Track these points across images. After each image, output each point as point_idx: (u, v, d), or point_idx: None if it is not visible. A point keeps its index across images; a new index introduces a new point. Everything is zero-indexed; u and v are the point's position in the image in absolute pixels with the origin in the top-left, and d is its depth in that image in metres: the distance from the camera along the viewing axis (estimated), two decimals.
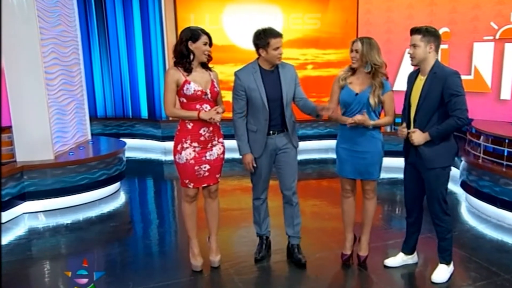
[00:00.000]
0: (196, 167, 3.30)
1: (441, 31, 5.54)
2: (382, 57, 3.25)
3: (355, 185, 3.52)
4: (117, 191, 5.65)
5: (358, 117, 3.20)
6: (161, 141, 8.11)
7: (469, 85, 5.50)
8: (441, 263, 3.35)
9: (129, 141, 8.17)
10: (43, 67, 4.74)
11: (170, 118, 3.05)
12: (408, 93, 3.28)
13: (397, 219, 4.73)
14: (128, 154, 7.59)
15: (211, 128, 3.31)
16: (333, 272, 3.52)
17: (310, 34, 7.90)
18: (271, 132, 3.45)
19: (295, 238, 3.69)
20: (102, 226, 4.63)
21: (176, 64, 3.26)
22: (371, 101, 3.22)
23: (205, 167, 3.34)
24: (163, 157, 7.82)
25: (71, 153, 5.22)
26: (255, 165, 3.48)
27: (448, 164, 3.23)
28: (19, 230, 4.40)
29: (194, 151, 3.29)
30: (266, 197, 3.69)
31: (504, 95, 5.26)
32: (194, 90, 3.20)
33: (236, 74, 3.45)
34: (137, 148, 8.17)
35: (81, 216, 4.83)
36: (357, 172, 3.40)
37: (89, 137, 6.13)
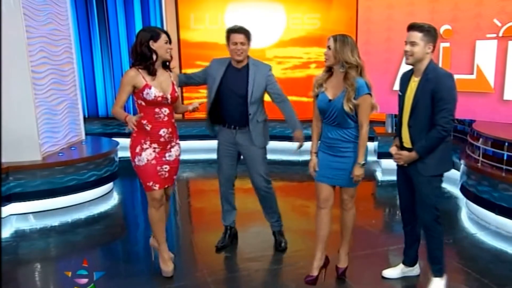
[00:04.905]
0: (158, 167, 3.24)
1: (442, 29, 5.45)
2: (359, 56, 2.96)
3: (332, 194, 3.15)
4: (109, 192, 5.55)
5: (356, 177, 3.05)
6: None
7: (471, 85, 5.29)
8: (435, 276, 3.13)
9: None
10: (30, 66, 4.66)
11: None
12: (402, 96, 3.07)
13: (395, 224, 4.55)
14: (128, 154, 7.53)
15: (170, 129, 3.26)
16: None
17: (313, 32, 7.74)
18: (232, 126, 3.64)
19: (275, 226, 3.89)
20: (87, 229, 4.53)
21: (135, 65, 3.14)
22: (345, 107, 2.91)
23: (165, 168, 3.30)
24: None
25: (60, 154, 5.13)
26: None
27: (444, 171, 3.04)
28: (5, 232, 4.31)
29: (154, 151, 3.22)
30: (228, 189, 3.82)
31: (508, 95, 5.00)
32: (155, 96, 3.11)
33: (213, 59, 3.71)
34: None
35: (69, 218, 4.74)
36: (335, 178, 3.11)
37: (83, 137, 6.03)
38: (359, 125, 3.00)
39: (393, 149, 3.14)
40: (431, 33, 2.90)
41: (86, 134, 6.20)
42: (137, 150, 3.22)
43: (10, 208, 4.67)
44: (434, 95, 2.85)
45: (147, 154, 3.21)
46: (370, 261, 3.61)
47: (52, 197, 4.85)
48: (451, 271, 3.44)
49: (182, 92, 7.15)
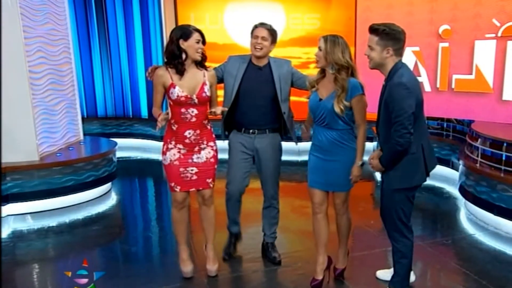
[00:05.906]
0: (181, 169, 3.19)
1: (442, 29, 5.43)
2: (351, 57, 2.89)
3: (325, 198, 3.13)
4: (107, 193, 5.53)
5: (354, 178, 2.97)
6: (160, 141, 7.91)
7: (470, 85, 5.28)
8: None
9: (129, 141, 8.13)
10: (28, 66, 4.64)
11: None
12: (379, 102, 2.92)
13: None
14: (128, 154, 7.57)
15: (198, 131, 3.17)
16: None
17: (312, 32, 7.71)
18: (250, 131, 3.43)
19: (271, 237, 3.69)
20: (85, 229, 4.51)
21: (166, 64, 3.12)
22: (336, 109, 2.84)
23: (192, 170, 3.21)
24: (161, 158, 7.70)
25: (58, 154, 5.12)
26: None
27: (409, 186, 2.82)
28: (2, 233, 4.29)
29: (179, 152, 3.18)
30: (238, 198, 3.60)
31: (507, 95, 4.98)
32: (178, 96, 3.06)
33: (229, 56, 3.53)
34: (136, 148, 8.07)
35: (67, 218, 4.72)
36: (326, 183, 3.05)
37: (81, 137, 6.02)
38: (357, 125, 2.94)
39: (370, 156, 2.99)
40: (389, 36, 2.67)
41: (85, 134, 6.20)
42: (164, 149, 3.22)
43: (8, 209, 4.65)
44: (388, 105, 2.68)
45: (171, 155, 3.18)
46: (368, 262, 3.60)
47: (49, 198, 4.83)
48: (448, 272, 3.44)
49: None
